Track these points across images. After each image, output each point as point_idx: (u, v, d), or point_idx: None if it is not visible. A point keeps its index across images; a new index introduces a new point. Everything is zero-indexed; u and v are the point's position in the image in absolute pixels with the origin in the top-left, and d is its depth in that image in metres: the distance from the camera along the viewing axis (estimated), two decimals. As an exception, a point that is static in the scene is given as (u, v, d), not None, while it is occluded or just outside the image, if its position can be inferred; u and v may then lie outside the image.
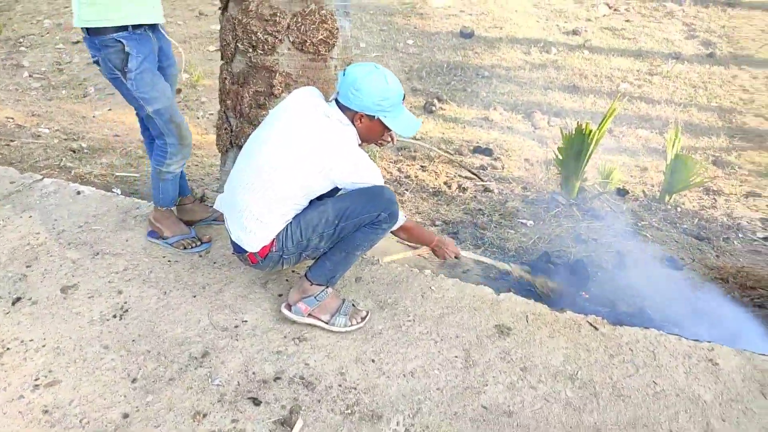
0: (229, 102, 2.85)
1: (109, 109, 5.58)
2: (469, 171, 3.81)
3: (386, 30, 8.61)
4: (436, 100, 6.59)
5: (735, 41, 8.11)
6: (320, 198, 2.05)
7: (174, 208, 2.66)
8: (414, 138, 5.46)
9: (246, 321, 2.16)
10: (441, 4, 9.35)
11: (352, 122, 1.97)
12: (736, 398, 1.85)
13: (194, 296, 2.27)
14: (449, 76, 7.44)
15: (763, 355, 2.04)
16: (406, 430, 1.75)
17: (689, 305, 2.62)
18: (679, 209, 4.25)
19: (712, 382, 1.91)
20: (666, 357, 2.01)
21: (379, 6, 9.27)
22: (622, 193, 4.54)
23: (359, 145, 2.02)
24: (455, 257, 2.34)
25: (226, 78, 2.85)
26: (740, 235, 3.88)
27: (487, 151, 5.38)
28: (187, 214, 2.70)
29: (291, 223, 2.00)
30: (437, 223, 3.89)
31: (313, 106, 1.98)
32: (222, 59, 2.88)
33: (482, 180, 3.75)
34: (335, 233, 2.00)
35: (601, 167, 4.73)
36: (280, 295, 2.29)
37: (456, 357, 2.02)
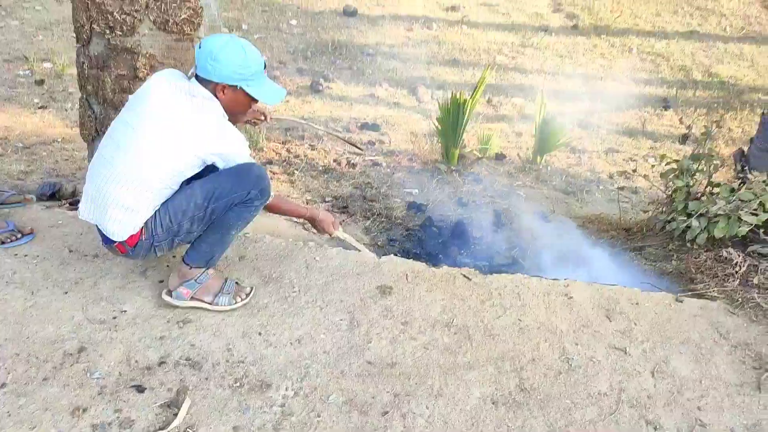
0: (90, 87, 2.70)
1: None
2: (348, 142, 3.90)
3: (268, 11, 8.41)
4: (322, 80, 6.59)
5: (595, 13, 8.80)
6: (189, 181, 2.01)
7: None
8: (278, 109, 5.43)
9: (125, 311, 2.10)
10: (321, -18, 9.25)
11: (215, 95, 1.95)
12: (587, 324, 2.10)
13: (65, 293, 2.16)
14: (334, 54, 7.45)
15: (609, 285, 2.32)
16: (295, 394, 1.81)
17: (555, 249, 2.89)
18: (549, 168, 4.62)
19: (567, 313, 2.15)
20: (529, 297, 2.22)
21: (258, -14, 9.01)
22: (500, 157, 4.84)
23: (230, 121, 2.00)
24: (329, 235, 2.38)
25: (84, 62, 2.69)
26: (600, 187, 4.31)
27: (374, 127, 5.50)
28: None
29: (159, 209, 1.94)
30: (327, 199, 3.94)
31: (175, 87, 1.93)
32: (78, 42, 2.71)
33: (360, 149, 3.86)
34: (206, 215, 1.97)
35: (480, 135, 5.01)
36: (161, 281, 2.24)
37: (341, 320, 2.10)
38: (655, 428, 1.70)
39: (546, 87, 6.64)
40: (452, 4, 8.86)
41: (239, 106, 2.02)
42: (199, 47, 1.92)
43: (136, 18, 2.53)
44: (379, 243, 3.27)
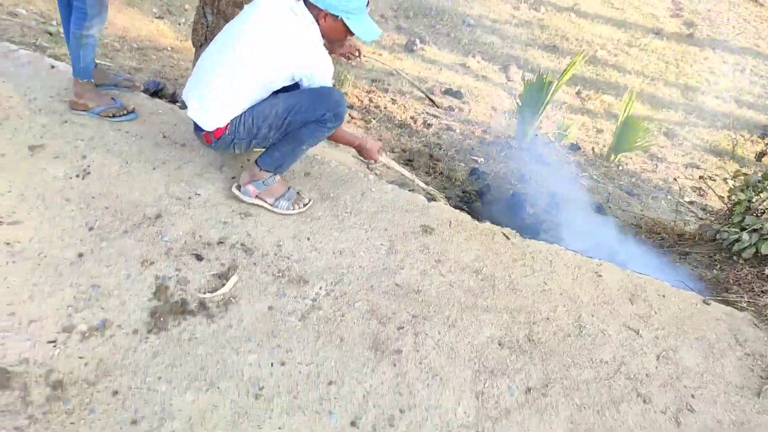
0: (207, -3, 2.97)
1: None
2: (428, 96, 4.04)
3: (380, -35, 8.52)
4: (418, 40, 6.69)
5: (716, 25, 8.32)
6: (276, 93, 2.24)
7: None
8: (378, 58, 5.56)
9: (199, 194, 2.38)
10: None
11: (317, 20, 2.14)
12: (608, 301, 2.18)
13: (154, 169, 2.47)
14: (436, 19, 7.50)
15: (642, 274, 2.37)
16: (327, 294, 2.04)
17: (598, 237, 2.94)
18: (620, 168, 4.56)
19: (592, 288, 2.24)
20: (560, 266, 2.32)
21: (377, -61, 9.09)
22: (574, 147, 4.82)
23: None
24: (374, 160, 2.54)
25: (206, -27, 2.96)
26: (668, 197, 4.23)
27: (457, 94, 5.57)
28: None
29: (246, 110, 2.19)
30: (395, 150, 4.12)
31: (284, 4, 2.14)
32: (205, -45, 2.98)
33: (437, 105, 4.00)
34: (283, 126, 2.20)
35: (561, 122, 4.99)
36: (233, 178, 2.51)
37: (381, 245, 2.29)
38: (645, 401, 1.80)
39: (642, 89, 6.45)
40: (566, -11, 8.62)
41: (336, 35, 2.20)
42: None
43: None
44: (433, 188, 3.43)
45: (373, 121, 4.54)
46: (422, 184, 2.96)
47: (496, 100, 5.66)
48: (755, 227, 2.42)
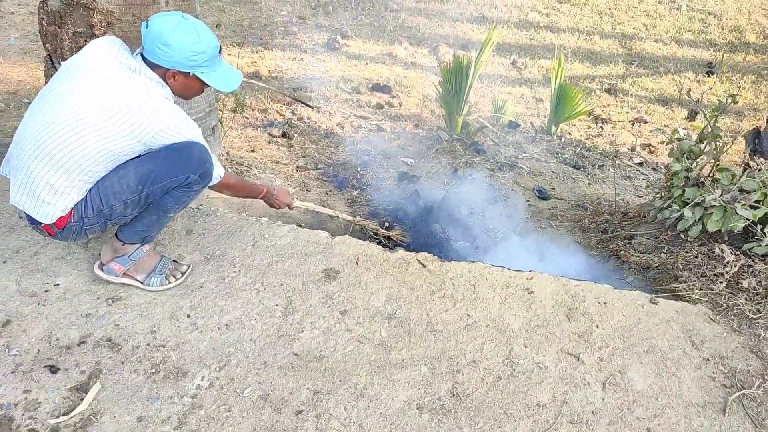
0: (49, 45, 2.59)
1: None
2: (298, 100, 3.79)
3: (293, -37, 8.10)
4: (339, 37, 6.32)
5: (646, -36, 8.04)
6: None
7: None
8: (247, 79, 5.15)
9: (58, 284, 2.03)
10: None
11: (164, 80, 1.77)
12: (543, 324, 1.88)
13: (4, 262, 2.10)
14: (357, 10, 7.13)
15: (577, 280, 2.07)
16: (210, 385, 1.71)
17: (536, 235, 2.64)
18: (563, 139, 4.27)
19: (524, 310, 1.93)
20: (485, 289, 2.01)
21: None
22: (513, 125, 4.52)
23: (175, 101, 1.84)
24: (288, 207, 2.26)
25: (43, 18, 2.57)
26: (617, 162, 3.95)
27: (385, 89, 5.24)
28: None
29: (90, 189, 1.80)
30: (320, 166, 3.78)
31: (116, 60, 1.74)
32: (37, -3, 2.59)
33: (310, 105, 3.83)
34: (141, 199, 1.82)
35: (495, 100, 4.68)
36: (100, 255, 2.16)
37: (276, 306, 1.96)
38: (593, 451, 1.51)
39: (579, 47, 6.15)
40: (488, -45, 8.28)
41: (191, 91, 1.86)
42: (146, 27, 1.72)
43: (90, -30, 2.37)
44: (359, 216, 3.10)
45: (296, 136, 4.19)
46: (347, 217, 2.64)
47: (428, 88, 5.33)
48: (697, 201, 2.12)
